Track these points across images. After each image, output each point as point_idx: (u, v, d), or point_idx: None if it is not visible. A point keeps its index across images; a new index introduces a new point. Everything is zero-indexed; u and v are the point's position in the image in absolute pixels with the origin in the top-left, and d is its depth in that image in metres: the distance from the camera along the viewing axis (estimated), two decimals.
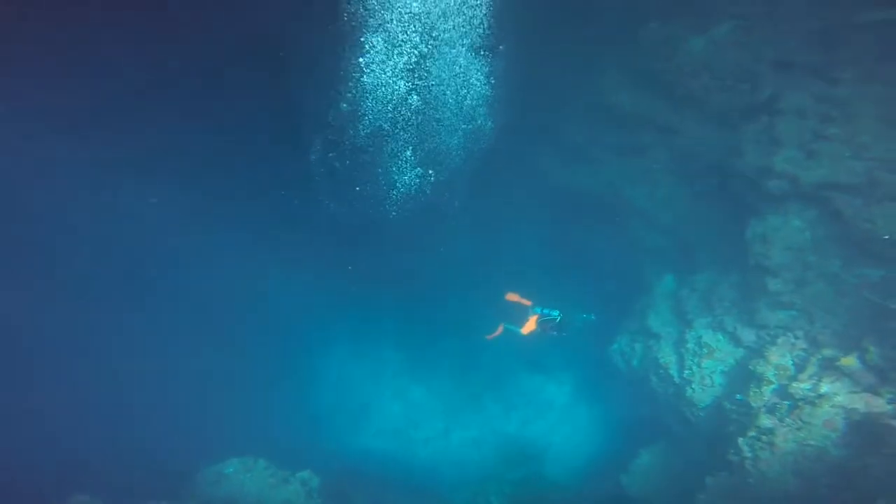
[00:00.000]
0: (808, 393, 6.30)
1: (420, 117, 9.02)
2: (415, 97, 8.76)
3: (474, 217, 11.50)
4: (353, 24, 7.71)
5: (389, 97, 8.68)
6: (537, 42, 8.84)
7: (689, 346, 8.44)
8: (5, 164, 9.22)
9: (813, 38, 7.73)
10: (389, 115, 8.94)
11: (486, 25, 7.95)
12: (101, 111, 9.57)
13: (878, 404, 5.69)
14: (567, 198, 11.00)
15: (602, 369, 10.32)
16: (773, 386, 6.84)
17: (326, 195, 10.96)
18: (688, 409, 8.11)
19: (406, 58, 8.20)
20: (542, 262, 11.60)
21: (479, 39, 8.14)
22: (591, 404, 11.87)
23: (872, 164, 7.00)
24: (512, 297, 8.63)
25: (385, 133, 9.21)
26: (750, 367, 7.26)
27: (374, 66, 8.26)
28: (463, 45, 8.19)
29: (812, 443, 5.91)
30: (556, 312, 8.21)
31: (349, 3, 7.57)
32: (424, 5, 7.65)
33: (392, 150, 9.49)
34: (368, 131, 9.18)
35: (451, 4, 7.72)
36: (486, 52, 8.35)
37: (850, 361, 6.15)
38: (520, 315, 8.48)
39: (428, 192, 10.08)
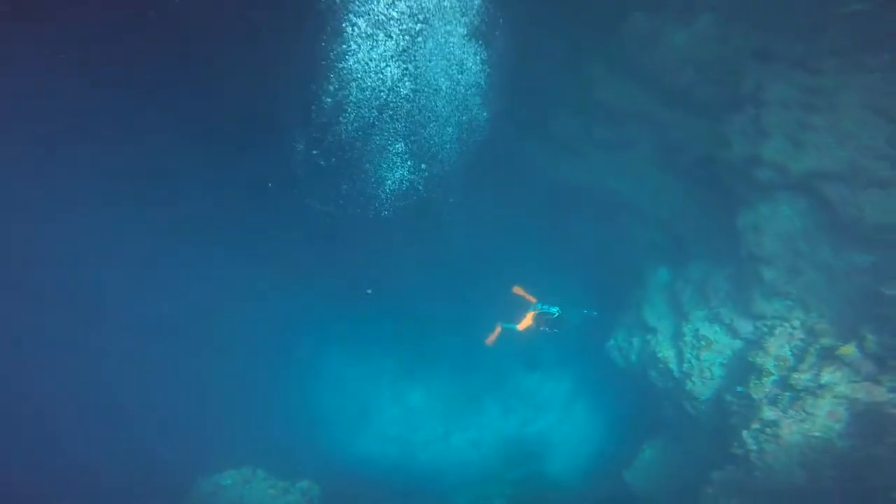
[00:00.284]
0: (809, 383, 6.37)
1: (410, 105, 8.62)
2: (407, 83, 8.33)
3: (469, 213, 11.36)
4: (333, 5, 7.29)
5: (378, 85, 8.25)
6: (524, 35, 8.70)
7: (687, 338, 8.50)
8: None
9: (793, 29, 7.76)
10: (377, 104, 8.52)
11: (480, 9, 7.65)
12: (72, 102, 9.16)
13: (880, 393, 5.77)
14: (557, 193, 10.97)
15: (600, 365, 10.34)
16: (773, 377, 6.91)
17: (312, 196, 10.67)
18: (689, 402, 8.17)
19: (395, 41, 7.76)
20: (536, 258, 11.56)
21: (474, 22, 7.80)
22: (591, 401, 11.93)
23: (857, 153, 7.07)
24: (518, 290, 8.59)
25: (373, 124, 8.81)
26: (749, 358, 7.32)
27: (360, 51, 7.81)
28: (458, 25, 7.80)
29: (817, 434, 5.97)
30: (555, 309, 8.19)
31: None
32: None
33: (381, 143, 9.10)
34: (355, 125, 8.77)
35: None
36: (480, 39, 8.05)
37: (849, 350, 6.23)
38: (517, 312, 8.44)
39: (421, 187, 9.80)
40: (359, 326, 13.92)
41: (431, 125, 9.00)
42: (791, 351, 7.03)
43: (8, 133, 9.15)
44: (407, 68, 8.19)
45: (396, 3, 7.39)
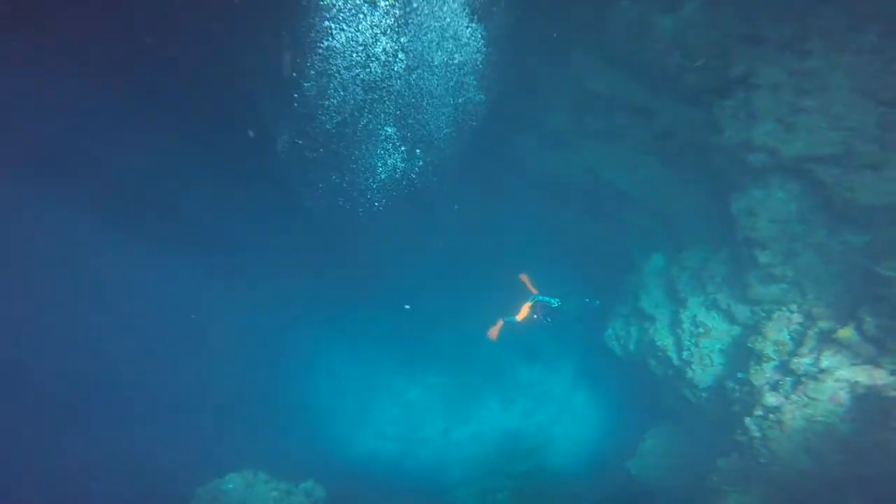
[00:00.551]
0: (809, 368, 6.39)
1: (401, 82, 8.08)
2: (401, 57, 7.75)
3: (463, 204, 11.22)
4: None
5: (364, 60, 7.69)
6: (517, 18, 8.48)
7: (685, 326, 8.50)
8: None
9: (780, 12, 7.72)
10: (366, 83, 7.93)
11: None
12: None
13: (881, 376, 5.80)
14: (549, 184, 10.91)
15: (599, 355, 10.35)
16: (773, 363, 6.93)
17: (299, 190, 10.22)
18: (689, 390, 8.19)
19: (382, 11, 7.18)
20: (530, 250, 11.52)
21: None
22: (591, 392, 11.96)
23: (848, 134, 7.06)
24: (524, 277, 8.58)
25: (361, 107, 8.26)
26: (749, 344, 7.34)
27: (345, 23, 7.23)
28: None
29: (820, 419, 6.00)
30: (555, 301, 8.21)
31: None
32: None
33: (371, 126, 8.57)
34: (341, 109, 8.22)
35: None
36: (477, 12, 7.61)
37: (847, 333, 6.25)
38: (516, 302, 8.42)
39: (414, 176, 9.43)
40: (355, 324, 13.83)
41: (426, 106, 8.52)
42: (790, 335, 7.05)
43: None
44: (398, 41, 7.68)
45: None
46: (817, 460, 5.86)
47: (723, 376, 7.83)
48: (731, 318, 8.04)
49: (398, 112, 8.55)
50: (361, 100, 8.27)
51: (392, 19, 7.40)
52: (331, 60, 7.72)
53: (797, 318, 7.09)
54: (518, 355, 12.93)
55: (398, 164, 9.20)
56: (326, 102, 8.21)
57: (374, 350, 14.17)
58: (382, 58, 7.76)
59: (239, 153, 10.31)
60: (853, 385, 5.94)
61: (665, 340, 8.77)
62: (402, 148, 9.07)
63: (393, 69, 7.91)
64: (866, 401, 5.74)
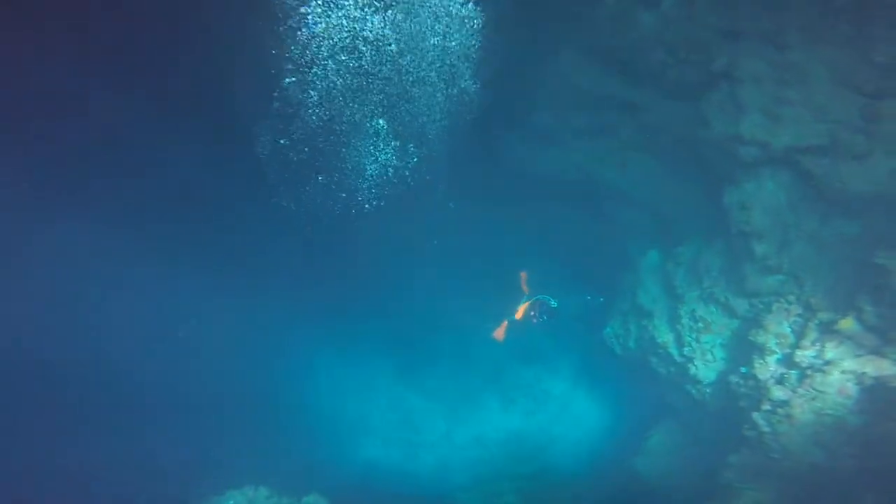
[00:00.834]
0: (814, 360, 6.45)
1: (390, 67, 7.45)
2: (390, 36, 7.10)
3: (457, 204, 11.04)
4: None
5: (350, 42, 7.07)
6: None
7: (685, 321, 8.51)
8: None
9: (757, 5, 7.74)
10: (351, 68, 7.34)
11: None
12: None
13: (885, 366, 5.87)
14: (539, 184, 10.84)
15: (600, 354, 10.36)
16: (776, 356, 6.99)
17: (282, 194, 9.69)
18: (693, 387, 8.22)
19: None
20: (525, 251, 11.46)
21: None
22: (593, 391, 11.99)
23: (834, 126, 7.12)
24: (524, 275, 8.60)
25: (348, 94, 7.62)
26: (750, 337, 7.38)
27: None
28: None
29: (829, 412, 6.06)
30: (554, 301, 8.22)
31: None
32: None
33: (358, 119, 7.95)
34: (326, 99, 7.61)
35: None
36: None
37: (848, 324, 6.31)
38: (514, 301, 8.44)
39: (408, 173, 9.01)
40: (351, 331, 13.59)
41: (417, 95, 7.94)
42: (790, 327, 7.11)
43: None
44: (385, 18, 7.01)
45: None
46: (829, 454, 5.92)
47: (726, 371, 7.87)
48: (729, 312, 8.08)
49: (387, 101, 7.96)
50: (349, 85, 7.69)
51: None
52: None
53: (796, 309, 7.14)
54: (517, 356, 12.91)
55: (390, 160, 8.73)
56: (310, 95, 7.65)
57: (371, 355, 14.00)
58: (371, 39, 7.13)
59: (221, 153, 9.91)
60: (860, 376, 6.00)
61: (665, 337, 8.79)
62: (394, 143, 8.64)
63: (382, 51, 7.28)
64: (874, 392, 5.81)
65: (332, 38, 7.14)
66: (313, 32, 7.02)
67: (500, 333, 8.41)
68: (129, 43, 8.40)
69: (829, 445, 5.95)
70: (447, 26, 7.38)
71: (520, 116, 10.23)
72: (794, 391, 6.42)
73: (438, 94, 8.11)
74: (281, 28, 6.99)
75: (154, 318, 12.03)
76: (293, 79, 7.60)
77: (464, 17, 7.36)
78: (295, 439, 12.15)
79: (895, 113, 6.64)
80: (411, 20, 7.22)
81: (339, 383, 13.88)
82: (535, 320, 8.20)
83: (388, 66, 7.56)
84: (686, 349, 8.34)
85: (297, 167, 9.01)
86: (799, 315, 7.08)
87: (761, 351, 7.16)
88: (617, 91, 9.15)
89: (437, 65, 7.71)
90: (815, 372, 6.31)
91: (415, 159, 8.95)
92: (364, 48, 7.30)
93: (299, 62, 7.35)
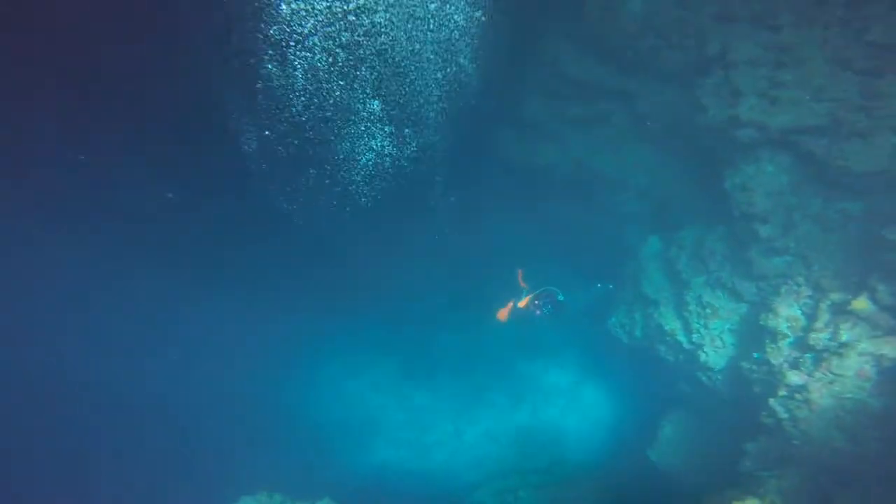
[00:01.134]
0: (829, 343, 6.40)
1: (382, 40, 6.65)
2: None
3: (457, 197, 10.82)
4: None
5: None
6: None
7: (692, 307, 8.43)
8: None
9: None
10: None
11: None
12: None
13: None
14: (536, 177, 10.69)
15: (605, 344, 10.29)
16: (789, 339, 6.92)
17: (274, 195, 9.31)
18: (704, 374, 8.15)
19: None
20: (527, 244, 11.33)
21: None
22: (601, 382, 11.94)
23: (833, 105, 7.05)
24: (520, 272, 8.53)
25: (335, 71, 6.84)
26: (760, 321, 7.31)
27: None
28: None
29: (849, 395, 6.00)
30: (560, 295, 8.09)
31: None
32: None
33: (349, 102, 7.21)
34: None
35: None
36: None
37: (862, 304, 6.25)
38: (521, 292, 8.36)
39: (406, 163, 8.60)
40: (357, 333, 13.63)
41: (413, 76, 7.23)
42: (801, 309, 7.04)
43: None
44: None
45: None
46: (852, 438, 5.87)
47: (736, 357, 7.81)
48: (737, 296, 8.01)
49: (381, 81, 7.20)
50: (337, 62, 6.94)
51: None
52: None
53: (806, 290, 7.07)
54: (523, 350, 12.83)
55: (385, 148, 8.14)
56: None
57: (377, 358, 13.94)
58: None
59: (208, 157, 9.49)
60: (878, 358, 5.95)
61: (672, 324, 8.70)
62: (388, 128, 8.00)
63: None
64: (894, 374, 5.77)
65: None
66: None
67: (503, 314, 8.28)
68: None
69: (851, 430, 5.89)
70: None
71: (513, 110, 10.05)
72: (810, 375, 6.36)
73: (435, 74, 7.49)
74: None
75: (171, 333, 11.93)
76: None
77: None
78: (307, 445, 12.20)
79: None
80: None
81: (348, 388, 13.84)
82: (538, 311, 8.03)
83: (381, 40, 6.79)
84: (695, 336, 8.26)
85: (285, 162, 8.62)
86: (809, 297, 7.02)
87: (773, 335, 7.09)
88: (608, 79, 9.03)
89: (434, 43, 6.99)
90: (832, 355, 6.25)
91: (412, 147, 8.49)
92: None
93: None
